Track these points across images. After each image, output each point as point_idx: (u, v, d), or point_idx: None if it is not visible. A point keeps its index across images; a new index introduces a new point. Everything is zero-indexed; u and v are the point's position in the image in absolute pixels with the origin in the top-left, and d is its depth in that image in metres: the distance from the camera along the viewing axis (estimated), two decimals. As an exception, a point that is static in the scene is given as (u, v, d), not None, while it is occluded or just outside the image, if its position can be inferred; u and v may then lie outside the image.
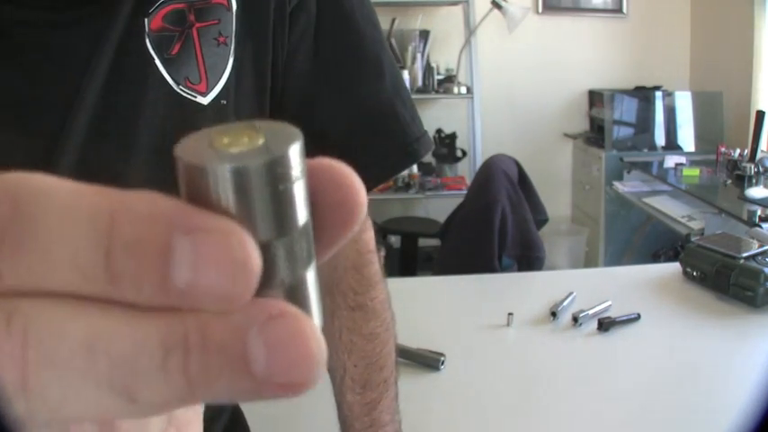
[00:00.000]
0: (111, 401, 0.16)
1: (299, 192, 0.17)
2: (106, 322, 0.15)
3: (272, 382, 0.15)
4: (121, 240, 0.15)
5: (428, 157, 3.70)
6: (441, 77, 3.64)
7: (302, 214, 0.17)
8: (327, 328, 0.70)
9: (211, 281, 0.15)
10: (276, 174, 0.16)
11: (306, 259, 0.17)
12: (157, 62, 0.51)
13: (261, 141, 0.16)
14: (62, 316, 0.15)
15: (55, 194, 0.16)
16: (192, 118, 0.53)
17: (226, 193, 0.16)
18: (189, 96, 0.52)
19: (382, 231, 3.41)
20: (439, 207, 3.52)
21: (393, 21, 3.53)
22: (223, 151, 0.16)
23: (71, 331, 0.15)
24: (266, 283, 0.16)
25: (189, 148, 0.16)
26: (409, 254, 3.41)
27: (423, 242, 3.45)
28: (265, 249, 0.16)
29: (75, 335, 0.15)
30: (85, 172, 0.48)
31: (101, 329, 0.15)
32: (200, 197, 0.16)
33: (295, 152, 0.16)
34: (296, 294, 0.17)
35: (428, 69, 3.57)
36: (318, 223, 0.18)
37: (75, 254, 0.15)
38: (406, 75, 3.48)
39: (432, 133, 3.68)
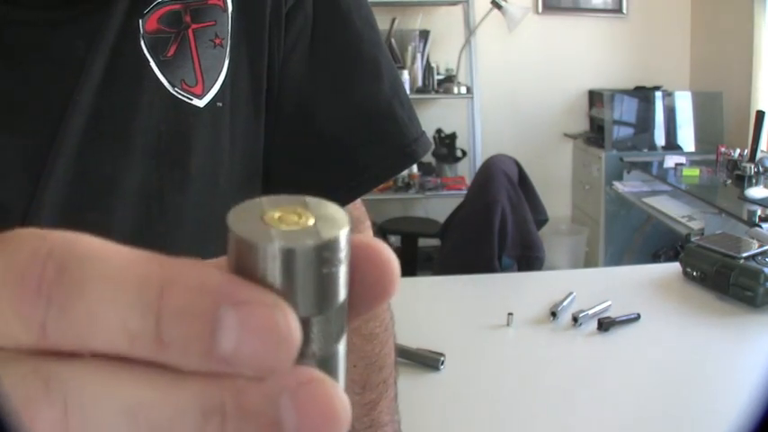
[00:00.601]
0: None
1: (342, 274, 0.17)
2: (146, 388, 0.16)
3: None
4: (171, 309, 0.16)
5: (428, 157, 3.70)
6: (441, 77, 3.64)
7: (341, 294, 0.18)
8: None
9: (254, 351, 0.16)
10: (323, 258, 0.17)
11: (338, 334, 0.18)
12: (152, 64, 0.50)
13: (311, 222, 0.17)
14: (102, 382, 0.16)
15: (102, 260, 0.16)
16: (188, 120, 0.52)
17: (273, 270, 0.16)
18: (185, 99, 0.52)
19: (382, 231, 3.41)
20: (439, 207, 3.52)
21: (393, 21, 3.53)
22: (274, 229, 0.17)
23: (112, 397, 0.16)
24: (300, 354, 0.17)
25: (240, 219, 0.17)
26: (409, 254, 3.42)
27: (423, 242, 3.45)
28: (304, 324, 0.17)
29: (115, 401, 0.16)
30: (81, 174, 0.48)
31: (141, 396, 0.16)
32: (248, 270, 0.17)
33: (343, 237, 0.17)
34: (326, 365, 0.18)
35: (428, 69, 3.57)
36: (352, 295, 0.19)
37: (124, 319, 0.16)
38: (405, 75, 3.48)
39: (432, 133, 3.68)
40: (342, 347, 0.19)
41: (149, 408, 0.16)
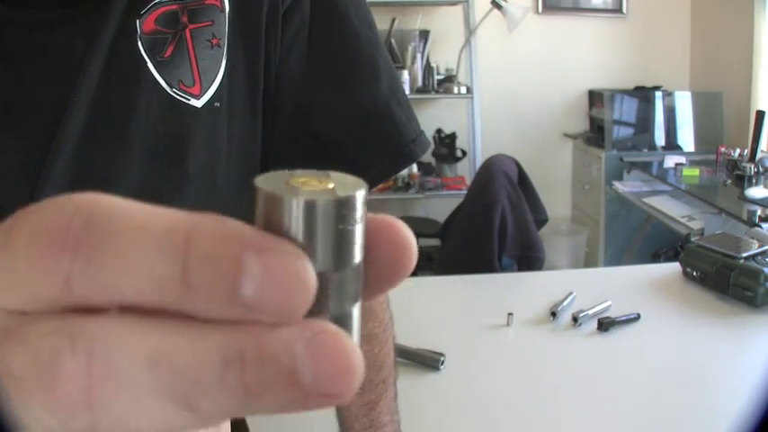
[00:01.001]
0: (174, 413, 0.17)
1: (358, 235, 0.19)
2: (169, 337, 0.17)
3: (316, 393, 0.17)
4: (197, 255, 0.16)
5: (428, 157, 3.70)
6: (440, 77, 3.64)
7: (357, 255, 0.19)
8: None
9: (275, 295, 0.16)
10: (341, 213, 0.18)
11: (353, 296, 0.19)
12: (150, 65, 0.50)
13: (331, 185, 0.19)
14: (125, 333, 0.17)
15: (128, 213, 0.17)
16: (185, 121, 0.52)
17: (294, 222, 0.18)
18: (183, 99, 0.52)
19: (382, 231, 3.40)
20: (439, 207, 3.51)
21: (393, 21, 3.53)
22: (298, 188, 0.18)
23: (135, 348, 0.17)
24: (316, 310, 0.18)
25: (267, 182, 0.19)
26: (409, 254, 3.41)
27: (423, 242, 3.45)
28: (321, 278, 0.18)
29: (138, 351, 0.17)
30: (79, 175, 0.48)
31: (164, 345, 0.17)
32: (273, 224, 0.18)
33: (359, 198, 0.19)
34: (341, 324, 0.19)
35: (428, 69, 3.57)
36: (371, 272, 0.20)
37: (152, 265, 0.17)
38: (405, 75, 3.48)
39: (431, 133, 3.68)
40: (356, 311, 0.20)
41: (171, 355, 0.17)
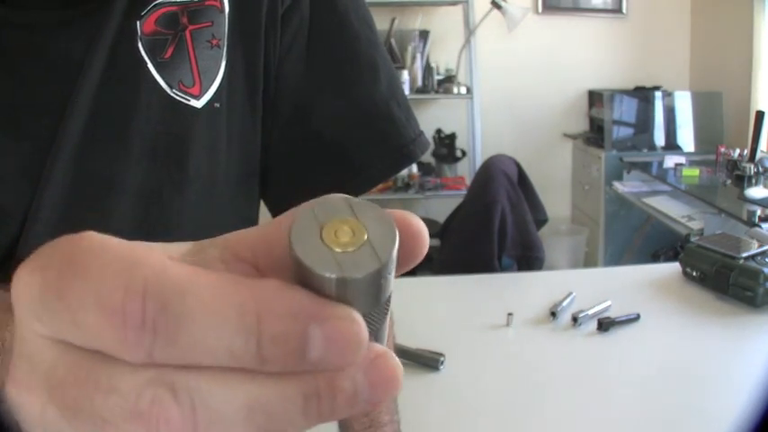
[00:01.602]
0: None
1: (392, 275, 0.20)
2: (259, 387, 0.20)
3: (371, 403, 0.20)
4: (268, 334, 0.19)
5: (428, 158, 3.70)
6: (440, 77, 3.64)
7: (390, 289, 0.21)
8: None
9: (336, 356, 0.19)
10: (379, 276, 0.20)
11: (387, 313, 0.22)
12: (150, 66, 0.50)
13: (365, 237, 0.19)
14: (219, 384, 0.19)
15: (197, 291, 0.19)
16: (185, 121, 0.52)
17: (339, 291, 0.19)
18: (183, 100, 0.52)
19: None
20: (439, 207, 3.51)
21: (393, 21, 3.53)
22: (334, 252, 0.19)
23: (232, 396, 0.19)
24: None
25: (301, 240, 0.19)
26: (409, 254, 3.41)
27: (422, 242, 3.44)
28: (365, 317, 0.20)
29: (236, 399, 0.19)
30: (79, 176, 0.48)
31: (257, 393, 0.19)
32: (314, 287, 0.19)
33: (396, 253, 0.20)
34: (377, 335, 0.22)
35: (428, 69, 3.56)
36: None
37: (228, 345, 0.19)
38: (405, 75, 3.48)
39: (431, 133, 3.68)
40: (387, 320, 0.22)
41: (264, 400, 0.19)
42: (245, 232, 0.22)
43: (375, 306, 0.21)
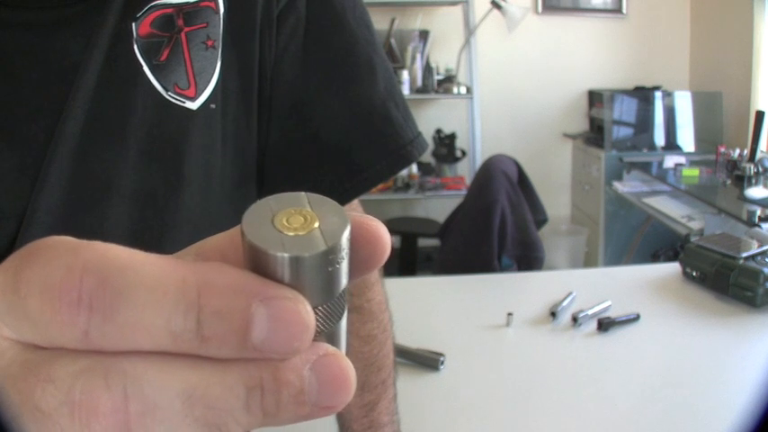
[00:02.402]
0: None
1: (344, 267, 0.20)
2: (197, 374, 0.19)
3: (320, 406, 0.19)
4: (210, 308, 0.18)
5: (428, 158, 3.70)
6: (440, 77, 3.64)
7: (344, 283, 0.20)
8: None
9: (281, 339, 0.18)
10: (329, 260, 0.19)
11: (341, 313, 0.21)
12: (146, 69, 0.50)
13: (316, 224, 0.19)
14: (155, 371, 0.18)
15: (138, 268, 0.18)
16: (181, 123, 0.52)
17: (286, 272, 0.19)
18: (178, 102, 0.51)
19: (382, 231, 3.40)
20: (439, 207, 3.52)
21: (393, 21, 3.53)
22: (284, 234, 0.19)
23: (168, 384, 0.18)
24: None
25: (253, 224, 0.19)
26: (409, 254, 3.41)
27: (422, 242, 3.45)
28: (315, 311, 0.20)
29: (172, 386, 0.18)
30: (76, 178, 0.48)
31: (194, 380, 0.19)
32: (264, 270, 0.19)
33: (345, 239, 0.20)
34: (332, 339, 0.21)
35: (428, 69, 3.57)
36: (350, 264, 0.21)
37: (167, 321, 0.18)
38: (405, 75, 3.48)
39: (431, 133, 3.68)
40: (344, 322, 0.22)
41: (202, 389, 0.19)
42: (216, 237, 0.21)
43: (326, 299, 0.20)
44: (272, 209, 0.20)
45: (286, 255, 0.19)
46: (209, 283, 0.18)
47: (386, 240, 0.21)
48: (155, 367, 0.18)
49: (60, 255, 0.18)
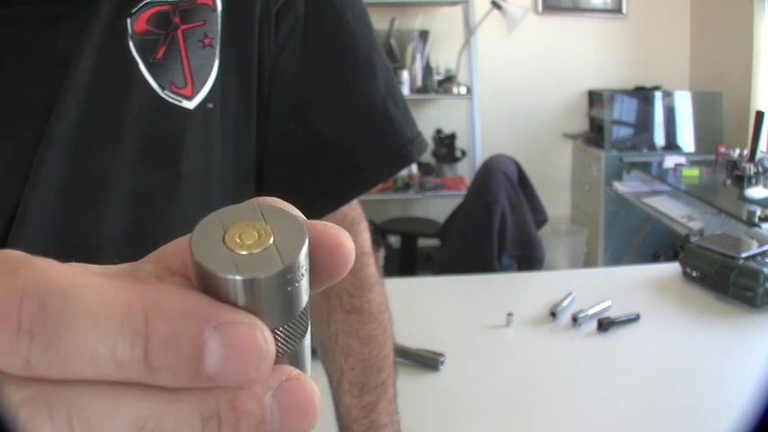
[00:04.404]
0: None
1: (304, 285, 0.19)
2: (147, 403, 0.17)
3: None
4: (158, 336, 0.17)
5: (428, 158, 3.70)
6: (440, 78, 3.64)
7: (304, 301, 0.19)
8: (323, 332, 0.70)
9: (237, 368, 0.17)
10: (286, 279, 0.18)
11: (303, 332, 0.20)
12: (141, 66, 0.49)
13: (270, 240, 0.18)
14: (105, 401, 0.17)
15: (81, 292, 0.17)
16: (177, 123, 0.51)
17: (240, 296, 0.18)
18: (174, 101, 0.50)
19: (381, 232, 3.41)
20: (438, 207, 3.52)
21: (393, 21, 3.53)
22: (236, 254, 0.18)
23: (118, 415, 0.17)
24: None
25: (202, 244, 0.18)
26: (409, 254, 3.41)
27: (422, 242, 3.45)
28: (274, 333, 0.18)
29: (122, 418, 0.17)
30: (69, 177, 0.47)
31: (144, 410, 0.17)
32: (215, 293, 0.18)
33: (303, 256, 0.18)
34: (294, 359, 0.20)
35: (428, 69, 3.56)
36: (313, 273, 0.20)
37: (112, 349, 0.17)
38: (405, 75, 3.48)
39: (431, 133, 3.68)
40: (307, 340, 0.20)
41: (154, 420, 0.17)
42: (177, 242, 0.20)
43: (286, 319, 0.19)
44: (223, 224, 0.18)
45: (238, 277, 0.17)
46: (158, 307, 0.17)
47: (348, 249, 0.20)
48: (102, 397, 0.17)
49: (0, 275, 0.17)
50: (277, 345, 0.18)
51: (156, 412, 0.17)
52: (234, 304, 0.18)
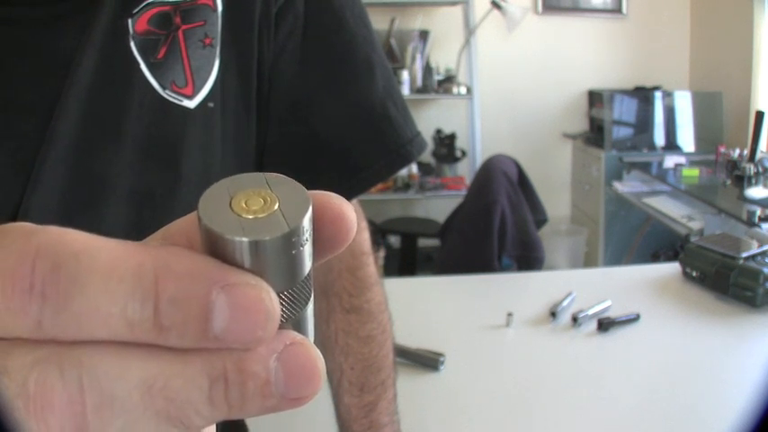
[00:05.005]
0: (168, 430, 0.18)
1: (307, 251, 0.19)
2: (156, 364, 0.18)
3: (288, 398, 0.19)
4: (167, 296, 0.17)
5: (428, 158, 3.70)
6: (440, 78, 3.64)
7: (307, 267, 0.19)
8: (323, 331, 0.70)
9: (243, 328, 0.18)
10: (291, 243, 0.18)
11: (307, 299, 0.20)
12: (143, 66, 0.49)
13: (275, 206, 0.19)
14: (112, 361, 0.18)
15: (93, 253, 0.17)
16: (178, 122, 0.51)
17: (246, 258, 0.18)
18: (175, 101, 0.51)
19: (382, 232, 3.41)
20: (438, 207, 3.52)
21: (393, 21, 3.53)
22: (243, 218, 0.18)
23: (126, 374, 0.18)
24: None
25: (210, 209, 0.19)
26: (409, 254, 3.41)
27: (422, 242, 3.45)
28: (279, 297, 0.19)
29: (130, 377, 0.18)
30: (71, 176, 0.47)
31: (153, 370, 0.18)
32: (222, 255, 0.18)
33: (307, 221, 0.19)
34: (298, 326, 0.20)
35: (428, 69, 3.57)
36: (315, 244, 0.20)
37: (123, 309, 0.17)
38: (405, 75, 3.48)
39: (431, 133, 3.68)
40: (310, 308, 0.21)
41: (162, 381, 0.18)
42: (182, 220, 0.20)
43: (291, 284, 0.19)
44: (229, 191, 0.19)
45: (245, 239, 0.18)
46: (167, 267, 0.18)
47: (350, 218, 0.20)
48: (112, 357, 0.18)
49: (14, 240, 0.18)
50: (281, 309, 0.19)
51: (164, 372, 0.18)
52: (240, 267, 0.18)
